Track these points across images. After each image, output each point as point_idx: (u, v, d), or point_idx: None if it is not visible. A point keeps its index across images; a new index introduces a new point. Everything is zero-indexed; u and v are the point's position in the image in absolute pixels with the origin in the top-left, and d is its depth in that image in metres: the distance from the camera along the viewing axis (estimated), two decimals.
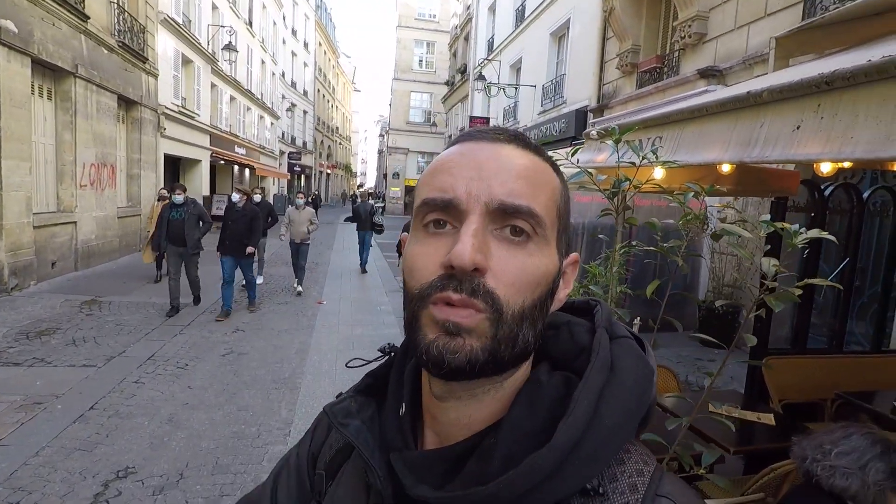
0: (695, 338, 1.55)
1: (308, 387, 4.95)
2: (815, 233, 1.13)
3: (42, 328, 6.19)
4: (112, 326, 6.44)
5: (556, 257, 0.53)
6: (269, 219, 8.63)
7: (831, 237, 1.13)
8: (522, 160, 0.52)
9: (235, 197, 7.30)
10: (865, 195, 3.77)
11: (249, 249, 7.16)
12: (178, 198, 7.06)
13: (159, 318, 6.97)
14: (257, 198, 8.38)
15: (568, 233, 0.57)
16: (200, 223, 7.13)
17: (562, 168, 1.94)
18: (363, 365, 0.69)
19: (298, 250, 8.89)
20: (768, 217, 1.22)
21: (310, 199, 26.38)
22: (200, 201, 18.39)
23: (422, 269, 0.50)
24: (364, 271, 11.74)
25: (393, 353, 0.66)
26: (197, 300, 7.65)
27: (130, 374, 4.99)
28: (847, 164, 3.33)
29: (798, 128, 1.62)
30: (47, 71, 8.80)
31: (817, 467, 1.45)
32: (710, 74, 7.58)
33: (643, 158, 1.60)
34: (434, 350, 0.47)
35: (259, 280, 9.04)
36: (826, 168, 2.39)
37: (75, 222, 9.42)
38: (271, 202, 11.91)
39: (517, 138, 0.54)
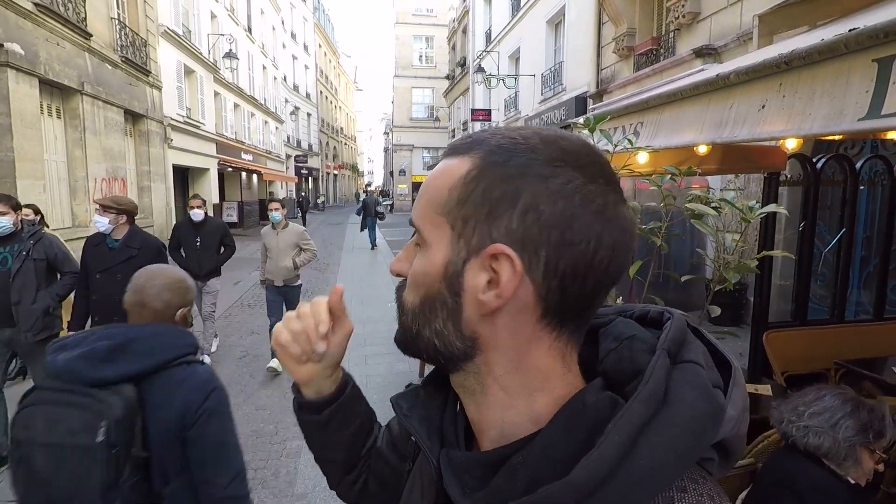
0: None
1: None
2: (770, 207, 1.21)
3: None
4: None
5: (440, 256, 0.50)
6: (222, 248, 5.60)
7: (783, 210, 1.21)
8: (439, 171, 0.53)
9: (101, 223, 3.60)
10: (858, 166, 3.79)
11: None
12: (3, 222, 3.34)
13: None
14: (198, 214, 5.40)
15: (482, 222, 0.48)
16: (58, 275, 3.66)
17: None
18: None
19: (285, 298, 5.35)
20: (731, 195, 1.28)
21: (296, 205, 24.90)
22: (211, 211, 18.78)
23: None
24: (374, 247, 14.87)
25: None
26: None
27: None
28: (838, 137, 3.36)
29: (763, 107, 1.68)
30: (55, 90, 9.02)
31: (792, 428, 1.54)
32: (706, 53, 7.56)
33: (616, 146, 1.68)
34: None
35: (212, 348, 5.96)
36: (791, 144, 2.45)
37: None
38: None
39: (460, 147, 0.52)
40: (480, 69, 16.59)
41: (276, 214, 5.36)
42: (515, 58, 17.22)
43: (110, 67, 10.58)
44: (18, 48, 7.50)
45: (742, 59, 2.19)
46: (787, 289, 5.50)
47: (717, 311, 1.38)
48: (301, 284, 5.55)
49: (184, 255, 5.49)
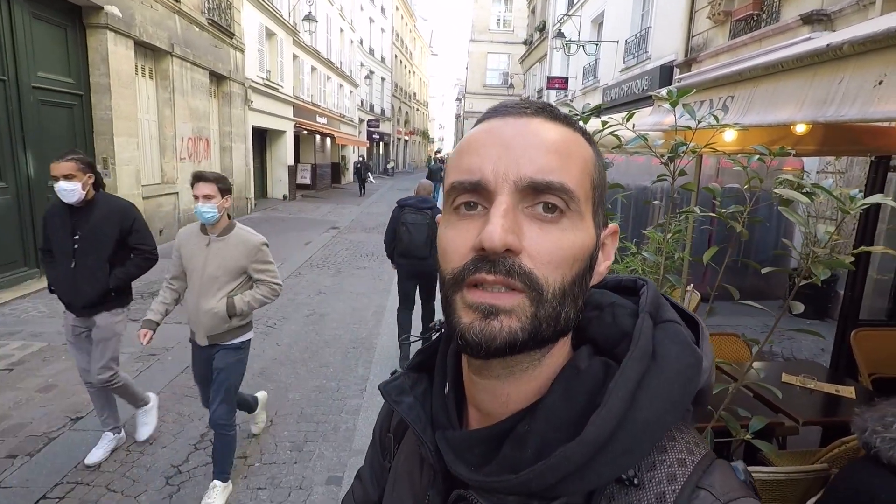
0: (746, 304, 1.51)
1: (383, 347, 5.24)
2: (876, 198, 1.07)
3: (154, 289, 6.93)
4: None
5: (592, 231, 0.51)
6: (129, 251, 3.08)
7: (891, 201, 1.06)
8: (551, 133, 0.50)
9: None
10: None
11: None
12: None
13: None
14: (69, 190, 2.80)
15: (604, 203, 0.55)
16: None
17: (618, 133, 1.90)
18: (416, 341, 0.75)
19: (210, 365, 2.86)
20: (829, 180, 1.15)
21: (354, 171, 23.06)
22: (286, 172, 19.33)
23: (454, 252, 0.49)
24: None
25: (443, 330, 0.64)
26: None
27: None
28: None
29: (880, 83, 1.49)
30: (148, 51, 9.55)
31: (877, 439, 1.40)
32: (816, 20, 6.83)
33: (699, 122, 1.55)
34: (471, 335, 0.47)
35: (98, 456, 3.17)
36: None
37: (177, 193, 10.31)
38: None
39: (544, 110, 0.52)
40: (560, 34, 15.89)
41: (206, 209, 2.66)
42: (598, 23, 16.37)
43: (197, 30, 11.04)
44: (117, 10, 7.95)
45: (859, 26, 1.95)
46: (884, 284, 5.02)
47: (800, 307, 1.26)
48: (247, 342, 2.95)
49: (54, 263, 2.99)
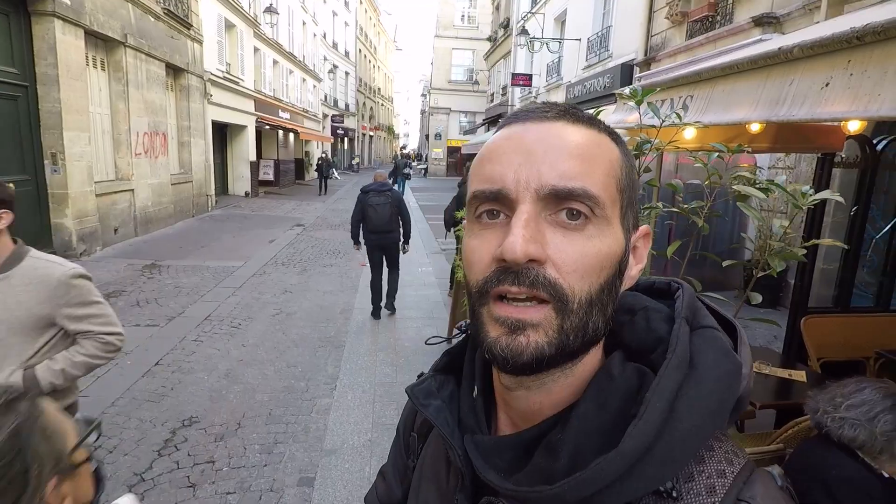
0: (706, 296, 1.58)
1: (352, 345, 5.20)
2: (825, 194, 1.14)
3: (109, 290, 6.68)
4: (171, 289, 6.89)
5: (620, 235, 0.49)
6: None
7: (839, 197, 1.14)
8: (574, 136, 0.48)
9: None
10: None
11: None
12: None
13: (214, 280, 7.40)
14: None
15: (634, 205, 0.53)
16: None
17: None
18: (441, 342, 0.71)
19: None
20: (781, 176, 1.22)
21: (320, 163, 21.51)
22: (248, 168, 18.76)
23: (478, 263, 0.48)
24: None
25: (469, 332, 0.63)
26: None
27: (190, 332, 5.37)
28: None
29: (827, 85, 1.58)
30: (99, 42, 9.14)
31: (827, 419, 1.50)
32: (766, 22, 7.12)
33: (663, 120, 1.61)
34: (498, 349, 0.46)
35: None
36: (854, 126, 2.29)
37: (133, 190, 9.95)
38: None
39: (567, 113, 0.51)
40: (524, 31, 16.01)
41: None
42: (561, 21, 16.59)
43: (152, 19, 10.64)
44: None
45: (807, 31, 2.05)
46: (831, 273, 5.30)
47: (758, 298, 1.34)
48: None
49: None
